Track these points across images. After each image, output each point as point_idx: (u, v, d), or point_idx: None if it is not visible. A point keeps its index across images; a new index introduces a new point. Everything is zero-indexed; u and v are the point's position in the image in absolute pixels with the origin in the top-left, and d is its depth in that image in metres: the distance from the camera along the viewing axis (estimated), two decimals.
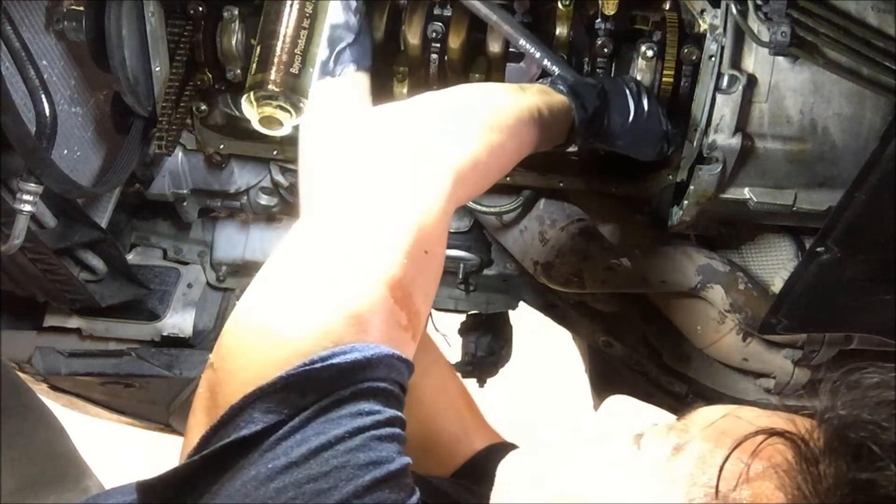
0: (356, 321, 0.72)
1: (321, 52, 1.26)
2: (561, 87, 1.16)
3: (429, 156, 0.86)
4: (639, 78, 1.34)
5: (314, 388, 0.67)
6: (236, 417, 0.67)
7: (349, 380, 0.68)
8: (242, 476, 0.65)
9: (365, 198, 0.81)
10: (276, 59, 1.24)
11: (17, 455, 1.46)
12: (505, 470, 0.81)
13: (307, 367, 0.67)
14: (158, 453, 1.80)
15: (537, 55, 1.31)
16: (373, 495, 0.64)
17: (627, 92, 1.23)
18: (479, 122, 0.95)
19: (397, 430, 0.69)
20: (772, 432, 0.66)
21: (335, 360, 0.68)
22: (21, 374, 1.90)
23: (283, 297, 0.74)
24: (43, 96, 1.19)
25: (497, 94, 1.06)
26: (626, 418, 0.79)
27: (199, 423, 0.73)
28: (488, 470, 0.82)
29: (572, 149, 1.24)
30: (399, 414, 0.70)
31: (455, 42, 1.38)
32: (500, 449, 1.11)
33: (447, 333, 2.19)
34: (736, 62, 1.25)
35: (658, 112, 1.25)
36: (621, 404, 0.77)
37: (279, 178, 1.62)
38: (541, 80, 1.23)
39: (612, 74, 1.39)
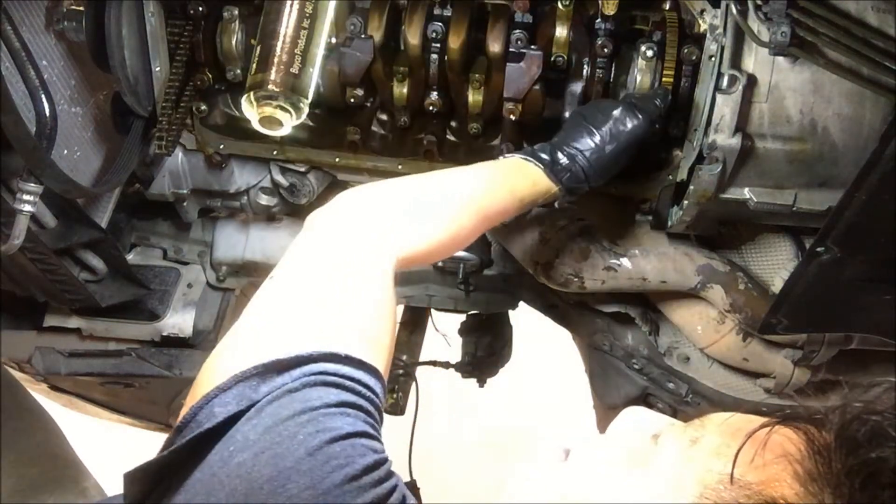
0: (304, 337, 0.82)
1: (321, 52, 1.27)
2: (539, 166, 1.23)
3: (369, 253, 0.96)
4: (639, 78, 1.34)
5: (265, 381, 0.75)
6: (197, 415, 0.74)
7: (295, 372, 0.75)
8: (209, 461, 0.71)
9: (313, 288, 0.90)
10: (276, 59, 1.24)
11: (14, 457, 1.47)
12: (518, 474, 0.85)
13: (256, 365, 0.76)
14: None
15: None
16: (323, 451, 0.70)
17: (582, 120, 1.27)
18: (424, 209, 1.06)
19: (348, 410, 0.75)
20: (784, 420, 0.69)
21: (281, 357, 0.76)
22: (21, 375, 1.91)
23: (252, 328, 0.86)
24: (43, 96, 1.19)
25: (446, 178, 1.15)
26: (644, 421, 0.81)
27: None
28: None
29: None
30: (350, 399, 0.76)
31: (455, 42, 1.38)
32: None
33: (447, 333, 2.20)
34: (736, 62, 1.25)
35: (621, 108, 1.27)
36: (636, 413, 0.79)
37: (279, 178, 1.62)
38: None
39: (612, 75, 1.39)
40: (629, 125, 1.26)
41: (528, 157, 1.23)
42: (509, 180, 1.19)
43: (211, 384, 0.77)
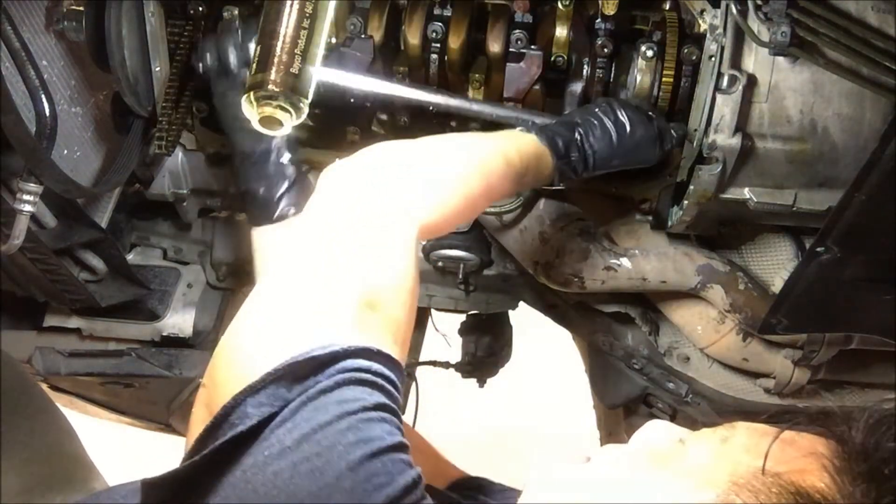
0: (333, 324, 0.78)
1: (321, 52, 1.26)
2: (530, 130, 1.20)
3: (394, 214, 0.92)
4: (639, 78, 1.34)
5: (299, 380, 0.72)
6: (229, 415, 0.71)
7: (330, 370, 0.72)
8: (241, 466, 0.69)
9: (334, 253, 0.86)
10: (276, 59, 1.24)
11: (26, 455, 1.47)
12: (541, 472, 0.84)
13: (290, 363, 0.72)
14: (158, 453, 1.81)
15: (502, 114, 1.34)
16: (365, 468, 0.67)
17: (600, 114, 1.25)
18: (444, 177, 1.01)
19: (384, 415, 0.72)
20: (813, 420, 0.73)
21: (315, 353, 0.73)
22: None
23: (267, 316, 0.81)
24: (43, 96, 1.19)
25: (463, 145, 1.10)
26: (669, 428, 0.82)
27: (197, 424, 0.76)
28: (478, 484, 0.84)
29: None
30: (383, 401, 0.73)
31: (455, 42, 1.38)
32: (475, 480, 1.17)
33: (447, 333, 2.20)
34: (736, 62, 1.25)
35: (640, 118, 1.26)
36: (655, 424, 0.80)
37: None
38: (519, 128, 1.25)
39: (612, 75, 1.39)
40: (646, 154, 1.27)
41: (546, 145, 1.19)
42: (525, 163, 1.14)
43: (239, 378, 0.73)
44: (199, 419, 0.78)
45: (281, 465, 0.67)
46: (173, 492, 0.71)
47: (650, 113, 1.28)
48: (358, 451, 0.67)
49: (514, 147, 1.13)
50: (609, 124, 1.24)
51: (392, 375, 0.77)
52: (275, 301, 0.82)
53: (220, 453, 0.70)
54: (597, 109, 1.26)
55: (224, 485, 0.68)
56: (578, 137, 1.22)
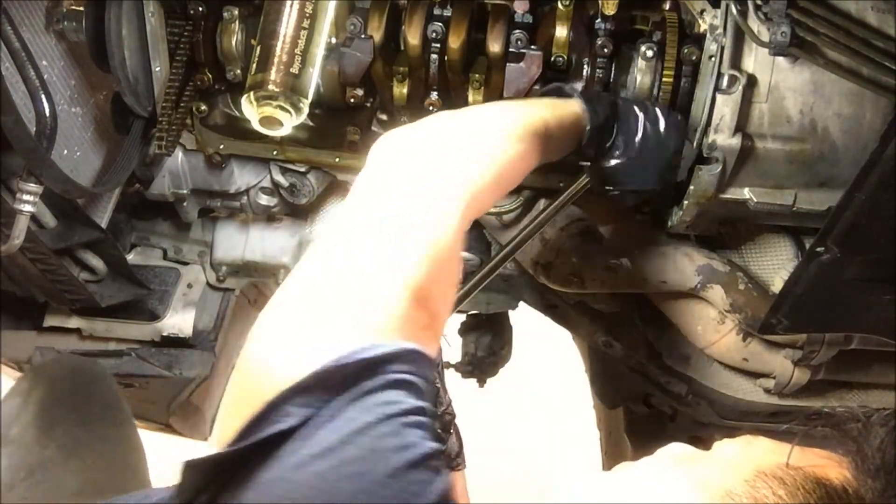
0: (380, 320, 0.78)
1: (321, 52, 1.26)
2: (573, 95, 1.19)
3: (447, 178, 0.92)
4: (639, 78, 1.34)
5: (344, 381, 0.72)
6: (273, 412, 0.71)
7: (376, 372, 0.73)
8: (282, 463, 0.69)
9: (390, 216, 0.87)
10: (276, 59, 1.24)
11: (91, 461, 1.51)
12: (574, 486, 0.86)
13: (336, 363, 0.72)
14: (158, 453, 1.81)
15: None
16: (406, 476, 0.68)
17: (640, 114, 1.23)
18: (492, 142, 1.00)
19: (424, 419, 0.73)
20: (834, 421, 0.78)
21: (363, 355, 0.73)
22: (21, 375, 1.91)
23: (312, 298, 0.80)
24: (43, 96, 1.19)
25: (509, 112, 1.08)
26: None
27: (232, 417, 0.75)
28: None
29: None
30: (424, 405, 0.74)
31: (455, 42, 1.38)
32: None
33: (447, 333, 2.20)
34: (736, 62, 1.25)
35: (670, 142, 1.23)
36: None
37: (279, 178, 1.62)
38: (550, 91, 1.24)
39: (612, 75, 1.40)
40: (663, 154, 1.25)
41: (590, 125, 1.17)
42: (563, 131, 1.14)
43: (284, 370, 0.73)
44: (240, 399, 0.77)
45: (323, 465, 0.67)
46: (211, 476, 0.71)
47: (679, 139, 1.26)
48: (399, 457, 0.68)
49: (556, 117, 1.13)
50: (640, 126, 1.22)
51: (429, 374, 0.78)
52: (322, 286, 0.81)
53: (262, 446, 0.70)
54: (636, 108, 1.24)
55: (264, 480, 0.69)
56: (614, 120, 1.21)
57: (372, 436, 0.69)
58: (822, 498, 0.71)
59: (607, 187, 1.25)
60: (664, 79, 1.33)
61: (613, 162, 1.22)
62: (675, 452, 0.85)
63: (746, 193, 1.32)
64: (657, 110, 1.24)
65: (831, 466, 0.74)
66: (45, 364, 1.68)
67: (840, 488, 0.72)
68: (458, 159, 0.95)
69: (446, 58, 1.40)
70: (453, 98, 1.47)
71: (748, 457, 0.77)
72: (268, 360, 0.76)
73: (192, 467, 0.72)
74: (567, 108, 1.17)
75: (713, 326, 1.59)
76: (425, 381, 0.76)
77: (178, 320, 1.82)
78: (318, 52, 1.30)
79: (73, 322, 1.80)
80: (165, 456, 1.71)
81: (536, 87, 1.38)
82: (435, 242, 0.85)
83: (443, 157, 0.94)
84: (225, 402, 0.80)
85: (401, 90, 1.43)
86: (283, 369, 0.74)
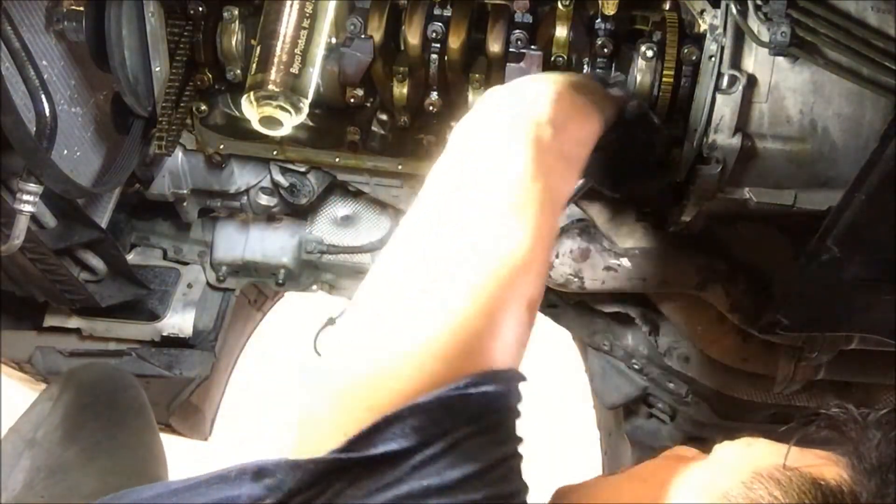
0: (501, 343, 0.74)
1: (321, 52, 1.26)
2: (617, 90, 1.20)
3: (546, 199, 0.84)
4: (639, 78, 1.34)
5: (464, 413, 0.70)
6: (388, 428, 0.68)
7: (495, 407, 0.71)
8: (395, 489, 0.67)
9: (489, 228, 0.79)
10: (276, 59, 1.24)
11: (110, 465, 1.53)
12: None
13: (461, 392, 0.70)
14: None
15: None
16: None
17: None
18: (576, 160, 0.97)
19: (520, 458, 0.73)
20: (830, 421, 0.78)
21: (486, 389, 0.70)
22: (21, 375, 1.91)
23: (434, 313, 0.73)
24: (43, 96, 1.19)
25: (586, 118, 1.03)
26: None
27: (336, 416, 0.72)
28: None
29: None
30: (521, 444, 0.74)
31: (455, 42, 1.38)
32: None
33: None
34: (736, 62, 1.25)
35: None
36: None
37: (279, 178, 1.62)
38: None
39: (613, 75, 1.39)
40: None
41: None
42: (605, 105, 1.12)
43: (403, 385, 0.70)
44: (339, 403, 0.73)
45: (441, 502, 0.67)
46: (316, 479, 0.69)
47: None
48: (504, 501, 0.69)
49: (606, 105, 1.11)
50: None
51: (520, 406, 0.76)
52: (449, 289, 0.74)
53: (368, 462, 0.68)
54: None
55: (376, 495, 0.67)
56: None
57: (488, 479, 0.68)
58: (817, 498, 0.72)
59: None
60: (664, 79, 1.33)
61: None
62: (676, 455, 0.86)
63: (746, 193, 1.32)
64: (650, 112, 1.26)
65: (828, 466, 0.75)
66: (75, 370, 1.69)
67: (836, 489, 0.72)
68: (552, 180, 0.87)
69: (446, 58, 1.40)
70: (453, 98, 1.47)
71: (746, 459, 0.78)
72: (385, 369, 0.72)
73: (297, 467, 0.69)
74: (610, 99, 1.15)
75: (713, 326, 1.59)
76: (520, 413, 0.75)
77: (178, 320, 1.82)
78: (318, 52, 1.30)
79: (73, 322, 1.80)
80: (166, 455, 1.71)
81: None
82: (533, 261, 0.79)
83: (540, 175, 0.85)
84: (312, 402, 0.75)
85: (401, 90, 1.43)
86: (401, 383, 0.70)
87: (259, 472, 0.70)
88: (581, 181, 1.32)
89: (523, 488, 0.72)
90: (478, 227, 0.78)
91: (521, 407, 0.75)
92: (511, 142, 0.85)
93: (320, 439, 0.71)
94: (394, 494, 0.67)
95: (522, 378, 0.75)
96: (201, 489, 0.74)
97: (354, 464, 0.68)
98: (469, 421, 0.70)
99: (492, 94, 0.96)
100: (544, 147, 0.86)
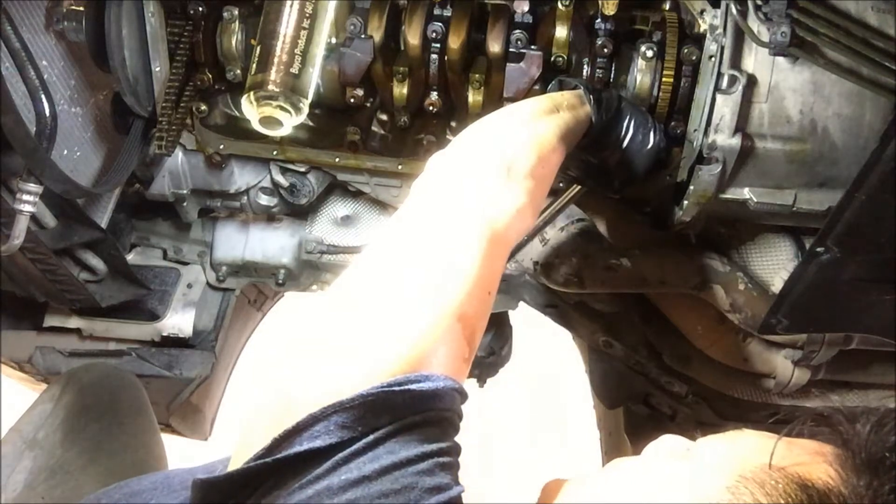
0: (430, 350, 0.78)
1: (321, 52, 1.26)
2: (578, 87, 1.21)
3: (488, 220, 0.91)
4: (639, 78, 1.34)
5: (389, 410, 0.71)
6: (312, 426, 0.70)
7: (421, 407, 0.73)
8: (315, 485, 0.68)
9: (428, 248, 0.87)
10: (276, 59, 1.24)
11: (111, 465, 1.53)
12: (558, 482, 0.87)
13: (385, 390, 0.71)
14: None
15: None
16: None
17: (630, 116, 1.26)
18: (524, 174, 1.00)
19: (455, 460, 0.74)
20: (816, 419, 0.78)
21: (411, 387, 0.73)
22: (21, 375, 1.91)
23: (365, 316, 0.79)
24: (43, 96, 1.19)
25: (539, 130, 1.07)
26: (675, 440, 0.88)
27: (264, 424, 0.74)
28: None
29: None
30: (457, 444, 0.75)
31: (455, 42, 1.38)
32: None
33: None
34: (736, 62, 1.25)
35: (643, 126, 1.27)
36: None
37: (279, 178, 1.62)
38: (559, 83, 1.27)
39: (612, 75, 1.40)
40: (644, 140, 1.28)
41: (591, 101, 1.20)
42: (577, 125, 1.15)
43: (328, 385, 0.72)
44: (269, 407, 0.76)
45: (357, 493, 0.67)
46: (234, 489, 0.70)
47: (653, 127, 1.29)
48: (432, 498, 0.69)
49: (575, 119, 1.15)
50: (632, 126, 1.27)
51: (462, 412, 0.78)
52: (383, 294, 0.81)
53: (292, 462, 0.69)
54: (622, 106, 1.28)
55: (295, 496, 0.68)
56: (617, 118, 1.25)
57: (409, 471, 0.69)
58: (802, 501, 0.71)
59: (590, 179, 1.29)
60: (664, 79, 1.33)
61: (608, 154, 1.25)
62: (665, 447, 0.85)
63: (746, 193, 1.32)
64: (649, 117, 1.28)
65: (817, 464, 0.74)
66: (76, 370, 1.69)
67: (822, 490, 0.72)
68: (497, 203, 0.94)
69: (446, 58, 1.40)
70: (453, 98, 1.47)
71: (731, 459, 0.77)
72: (313, 371, 0.75)
73: (206, 486, 0.71)
74: (584, 110, 1.18)
75: (713, 326, 1.59)
76: (460, 419, 0.77)
77: (178, 320, 1.82)
78: (318, 52, 1.30)
79: (73, 322, 1.80)
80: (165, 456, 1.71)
81: (536, 87, 1.39)
82: (480, 277, 0.85)
83: (486, 200, 0.93)
84: (251, 411, 0.78)
85: (401, 90, 1.43)
86: (324, 385, 0.73)
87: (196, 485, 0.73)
88: (577, 187, 1.33)
89: (451, 486, 0.71)
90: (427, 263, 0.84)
91: (455, 414, 0.76)
92: (464, 235, 0.89)
93: (250, 445, 0.73)
94: (314, 490, 0.68)
95: (456, 385, 0.76)
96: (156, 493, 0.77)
97: (281, 463, 0.69)
98: (393, 418, 0.71)
99: (461, 143, 1.01)
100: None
